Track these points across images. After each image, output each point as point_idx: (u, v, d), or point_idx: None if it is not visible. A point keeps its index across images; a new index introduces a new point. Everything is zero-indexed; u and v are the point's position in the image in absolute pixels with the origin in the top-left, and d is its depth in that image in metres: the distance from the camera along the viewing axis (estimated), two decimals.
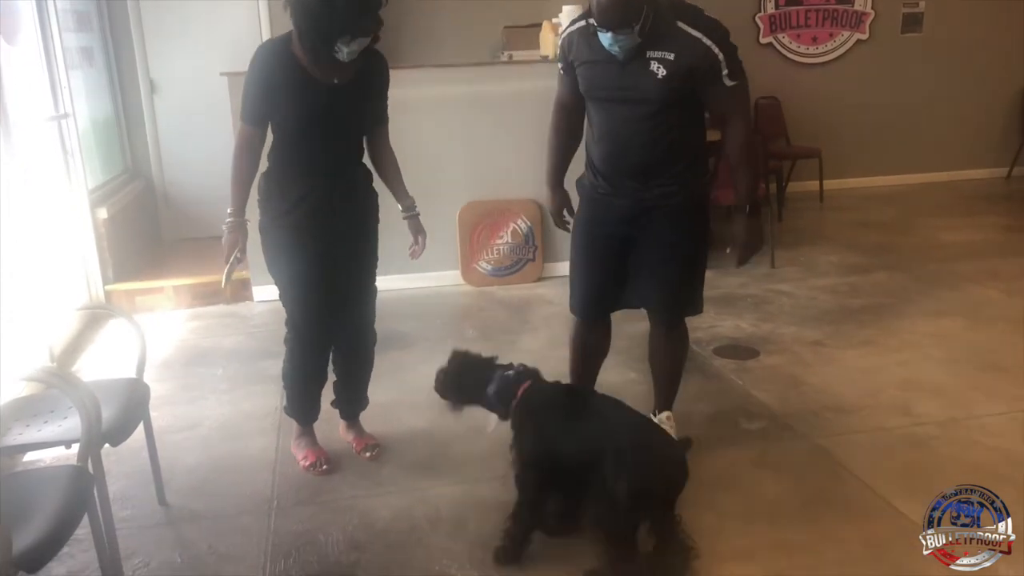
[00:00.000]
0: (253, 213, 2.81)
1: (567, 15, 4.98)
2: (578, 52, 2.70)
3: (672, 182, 2.69)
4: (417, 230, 3.05)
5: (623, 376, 3.63)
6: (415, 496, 2.87)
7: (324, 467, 3.03)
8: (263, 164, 2.82)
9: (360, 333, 3.06)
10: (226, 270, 2.78)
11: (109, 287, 5.02)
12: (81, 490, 2.04)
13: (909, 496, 2.73)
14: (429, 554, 2.54)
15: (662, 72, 2.51)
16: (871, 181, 8.02)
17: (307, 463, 3.05)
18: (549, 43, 5.46)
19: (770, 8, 7.60)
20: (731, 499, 2.78)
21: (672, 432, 2.93)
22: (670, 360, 3.04)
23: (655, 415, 3.07)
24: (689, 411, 3.30)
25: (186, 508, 2.86)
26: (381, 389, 3.31)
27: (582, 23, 2.65)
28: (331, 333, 2.98)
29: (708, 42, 2.48)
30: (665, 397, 3.09)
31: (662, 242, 2.76)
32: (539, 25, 5.65)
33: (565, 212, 3.01)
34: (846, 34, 7.76)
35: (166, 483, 2.90)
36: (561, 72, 2.85)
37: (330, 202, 2.80)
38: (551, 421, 2.49)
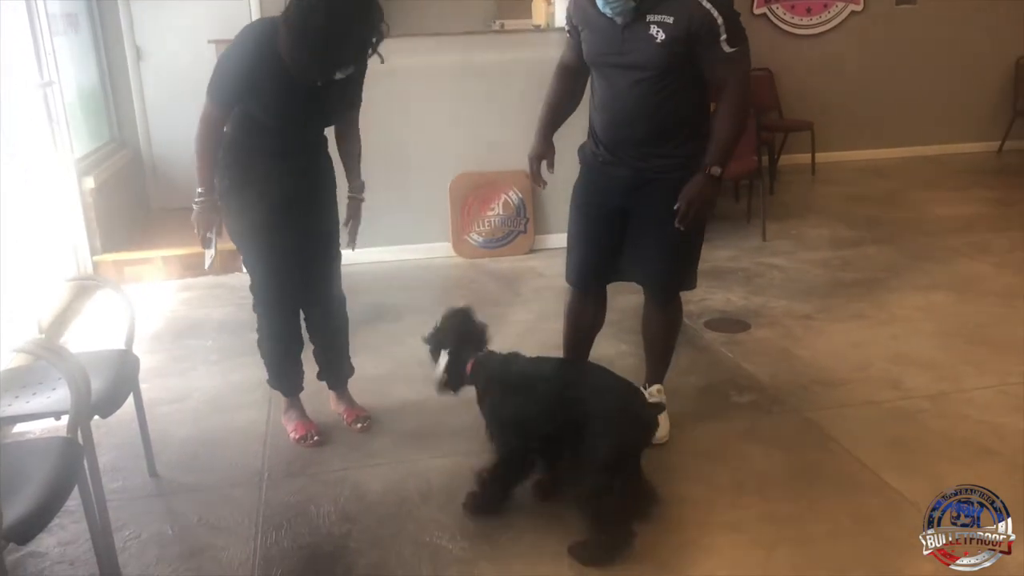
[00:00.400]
0: None
1: None
2: (583, 16, 2.67)
3: (673, 154, 2.66)
4: (353, 214, 2.97)
5: (615, 348, 3.63)
6: (406, 468, 2.87)
7: (315, 439, 3.02)
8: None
9: (327, 297, 3.03)
10: (207, 255, 2.76)
11: (97, 258, 4.98)
12: (71, 462, 2.03)
13: (898, 469, 2.76)
14: (420, 526, 2.55)
15: (661, 36, 2.48)
16: (863, 154, 8.00)
17: (297, 435, 3.04)
18: (541, 12, 5.42)
19: None
20: (721, 471, 2.79)
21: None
22: (663, 334, 3.03)
23: (646, 388, 3.08)
24: (679, 384, 3.31)
25: (176, 480, 2.86)
26: (371, 361, 3.31)
27: None
28: (296, 295, 2.96)
29: (708, 5, 2.44)
30: (656, 370, 3.10)
31: (661, 216, 2.71)
32: None
33: (544, 163, 2.90)
34: (840, 5, 7.68)
35: (156, 455, 2.90)
36: (567, 36, 2.82)
37: (298, 173, 2.79)
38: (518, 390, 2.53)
